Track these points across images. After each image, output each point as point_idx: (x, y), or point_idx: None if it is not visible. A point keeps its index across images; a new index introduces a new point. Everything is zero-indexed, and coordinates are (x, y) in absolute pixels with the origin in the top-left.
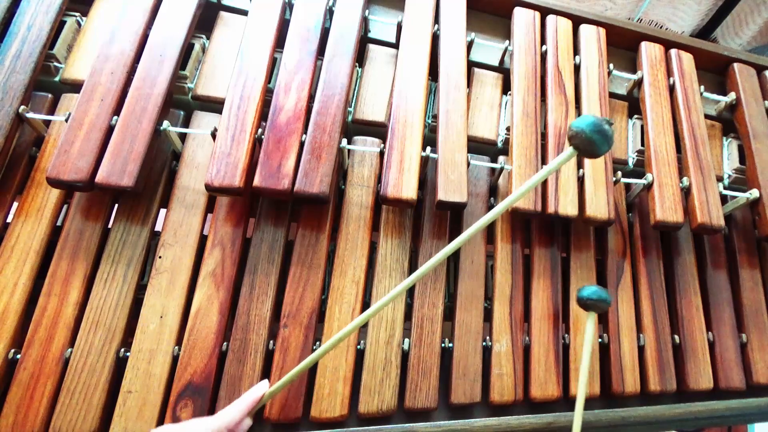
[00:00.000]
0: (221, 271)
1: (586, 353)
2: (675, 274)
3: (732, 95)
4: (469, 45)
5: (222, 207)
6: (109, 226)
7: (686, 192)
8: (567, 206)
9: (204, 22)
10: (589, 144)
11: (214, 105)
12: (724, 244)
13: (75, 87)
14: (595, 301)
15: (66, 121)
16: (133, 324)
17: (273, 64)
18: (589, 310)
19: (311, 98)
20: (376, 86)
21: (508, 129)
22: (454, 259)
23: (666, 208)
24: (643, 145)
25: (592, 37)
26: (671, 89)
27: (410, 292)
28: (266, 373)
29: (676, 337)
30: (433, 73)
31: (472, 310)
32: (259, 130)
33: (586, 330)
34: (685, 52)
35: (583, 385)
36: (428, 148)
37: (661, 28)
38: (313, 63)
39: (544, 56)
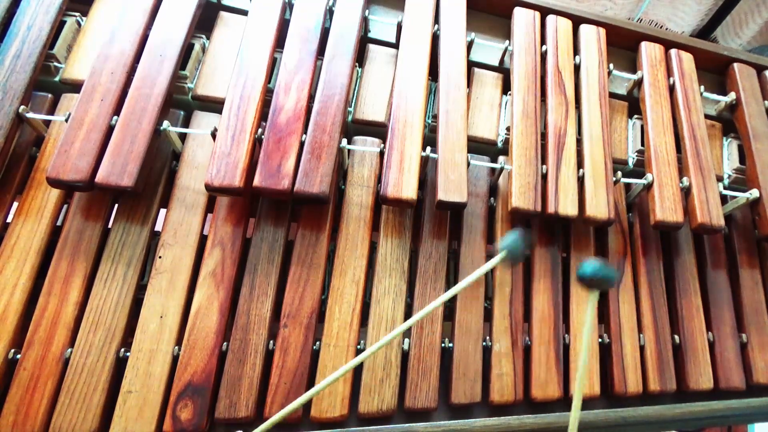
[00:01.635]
0: (221, 271)
1: (586, 335)
2: (675, 274)
3: (732, 95)
4: (469, 45)
5: (222, 207)
6: (109, 226)
7: (686, 192)
8: (567, 206)
9: (204, 22)
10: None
11: (214, 105)
12: (724, 244)
13: (75, 87)
14: (601, 280)
15: (66, 121)
16: (133, 324)
17: (273, 64)
18: (593, 289)
19: (311, 98)
20: (376, 86)
21: (508, 129)
22: (454, 259)
23: (666, 208)
24: (643, 145)
25: (592, 37)
26: (671, 89)
27: (410, 292)
28: (266, 373)
29: (676, 337)
30: (433, 73)
31: (472, 310)
32: (259, 130)
33: (587, 312)
34: (685, 52)
35: (582, 371)
36: (428, 148)
37: (661, 28)
38: (313, 63)
39: (544, 56)
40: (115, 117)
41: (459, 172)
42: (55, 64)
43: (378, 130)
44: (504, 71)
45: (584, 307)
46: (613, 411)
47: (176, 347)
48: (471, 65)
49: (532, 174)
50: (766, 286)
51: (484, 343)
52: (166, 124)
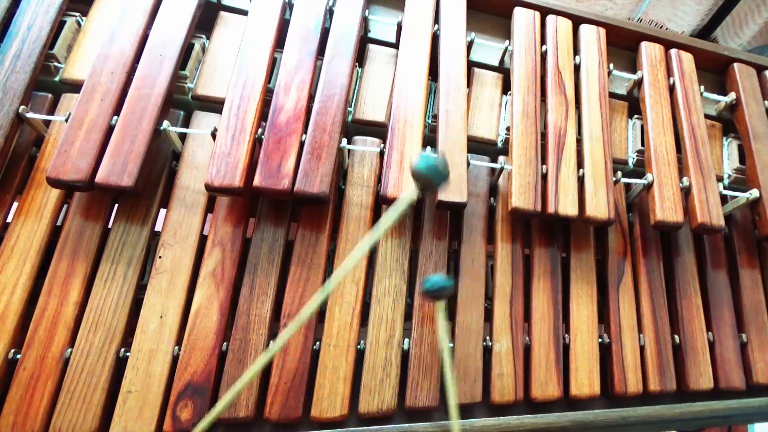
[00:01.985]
0: (221, 271)
1: (444, 344)
2: (675, 274)
3: (732, 95)
4: (469, 45)
5: (222, 207)
6: (109, 226)
7: (686, 192)
8: (567, 206)
9: (204, 22)
10: (427, 182)
11: (214, 105)
12: (724, 244)
13: (75, 87)
14: (439, 291)
15: (66, 121)
16: (133, 324)
17: (273, 64)
18: (438, 301)
19: (311, 98)
20: (376, 86)
21: (508, 129)
22: (454, 259)
23: (666, 208)
24: (643, 145)
25: (592, 37)
26: (671, 89)
27: (410, 292)
28: (266, 373)
29: (676, 337)
30: (433, 73)
31: (472, 310)
32: (259, 130)
33: (438, 321)
34: (685, 52)
35: (451, 380)
36: (428, 148)
37: (661, 28)
38: (313, 63)
39: (544, 56)
40: (115, 117)
41: (459, 172)
42: (55, 64)
43: (378, 130)
44: (504, 71)
45: (585, 306)
46: (613, 411)
47: (176, 347)
48: (471, 65)
49: (532, 174)
50: (766, 286)
51: (484, 343)
52: (166, 124)
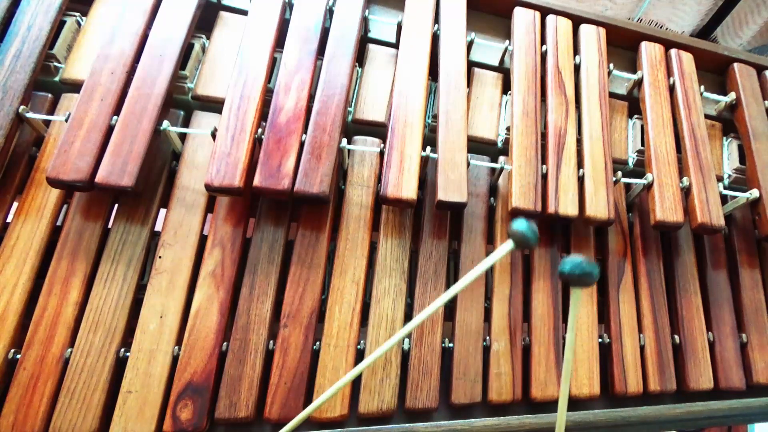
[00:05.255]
0: (221, 271)
1: (570, 333)
2: (675, 274)
3: (732, 95)
4: (469, 45)
5: (222, 207)
6: (109, 226)
7: (686, 192)
8: (567, 206)
9: (204, 22)
10: (525, 240)
11: (214, 105)
12: (724, 244)
13: (75, 87)
14: (579, 276)
15: (66, 121)
16: (133, 324)
17: (273, 64)
18: (575, 286)
19: (311, 98)
20: (376, 86)
21: (508, 129)
22: (454, 259)
23: (666, 208)
24: (643, 145)
25: (592, 37)
26: (671, 89)
27: (410, 292)
28: (266, 373)
29: (676, 337)
30: (433, 73)
31: (472, 310)
32: (259, 130)
33: (571, 309)
34: (685, 52)
35: (568, 368)
36: (428, 148)
37: (661, 28)
38: (313, 63)
39: (544, 56)
40: (115, 117)
41: (459, 172)
42: (55, 64)
43: (378, 130)
44: (504, 71)
45: (585, 307)
46: (613, 411)
47: (176, 347)
48: (471, 65)
49: (532, 174)
50: (766, 286)
51: (484, 343)
52: (166, 124)
